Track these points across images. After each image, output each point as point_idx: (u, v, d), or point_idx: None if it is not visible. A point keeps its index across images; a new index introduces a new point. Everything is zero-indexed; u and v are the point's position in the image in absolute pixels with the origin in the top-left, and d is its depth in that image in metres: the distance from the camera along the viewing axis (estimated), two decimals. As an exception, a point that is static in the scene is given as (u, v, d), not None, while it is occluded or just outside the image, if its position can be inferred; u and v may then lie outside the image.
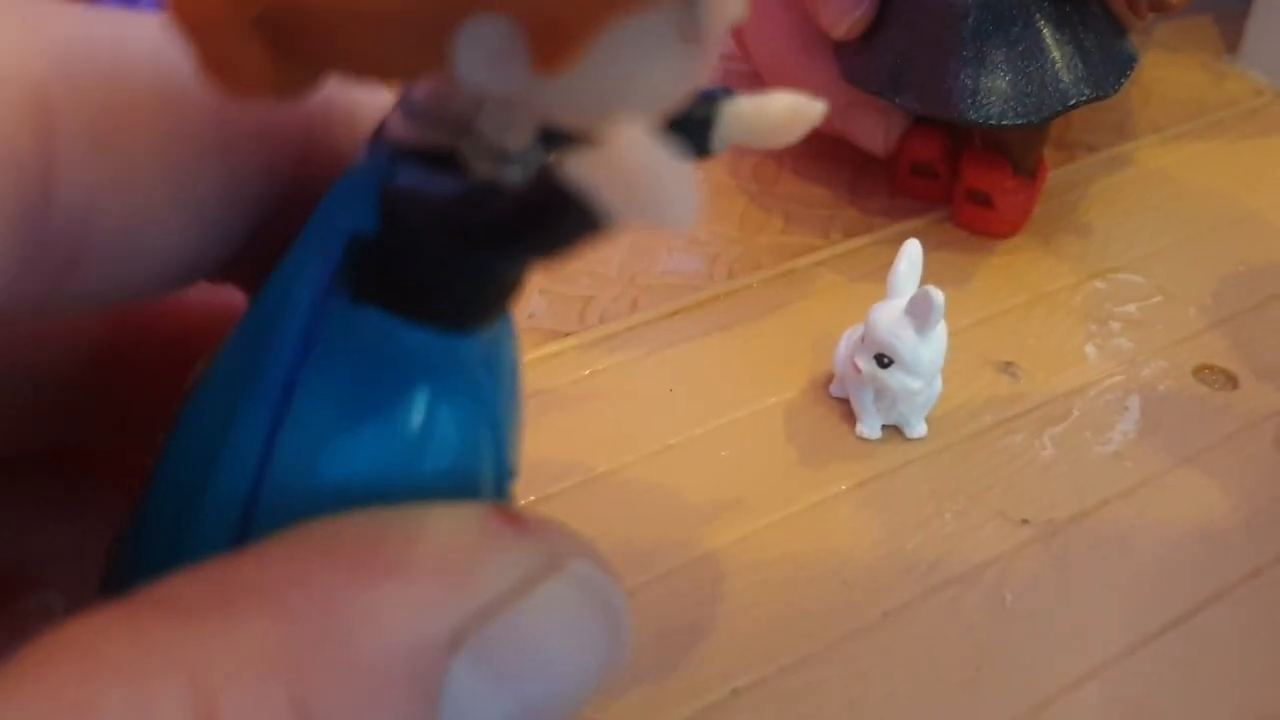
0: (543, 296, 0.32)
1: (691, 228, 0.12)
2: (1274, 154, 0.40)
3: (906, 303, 0.27)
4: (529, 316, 0.32)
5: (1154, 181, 0.38)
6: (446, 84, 0.13)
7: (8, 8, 0.13)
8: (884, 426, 0.29)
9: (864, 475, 0.28)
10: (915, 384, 0.27)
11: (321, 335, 0.14)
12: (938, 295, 0.26)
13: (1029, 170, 0.35)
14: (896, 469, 0.28)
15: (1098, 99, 0.33)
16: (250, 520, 0.14)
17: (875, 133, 0.35)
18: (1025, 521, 0.27)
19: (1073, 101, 0.32)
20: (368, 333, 0.14)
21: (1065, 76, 0.32)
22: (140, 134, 0.14)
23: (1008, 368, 0.31)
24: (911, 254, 0.28)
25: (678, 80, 0.13)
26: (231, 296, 0.17)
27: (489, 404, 0.15)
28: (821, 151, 0.38)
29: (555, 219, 0.13)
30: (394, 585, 0.12)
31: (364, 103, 0.16)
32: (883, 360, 0.27)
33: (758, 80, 0.39)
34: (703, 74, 0.13)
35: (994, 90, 0.32)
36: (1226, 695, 0.24)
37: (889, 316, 0.27)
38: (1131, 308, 0.33)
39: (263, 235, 0.15)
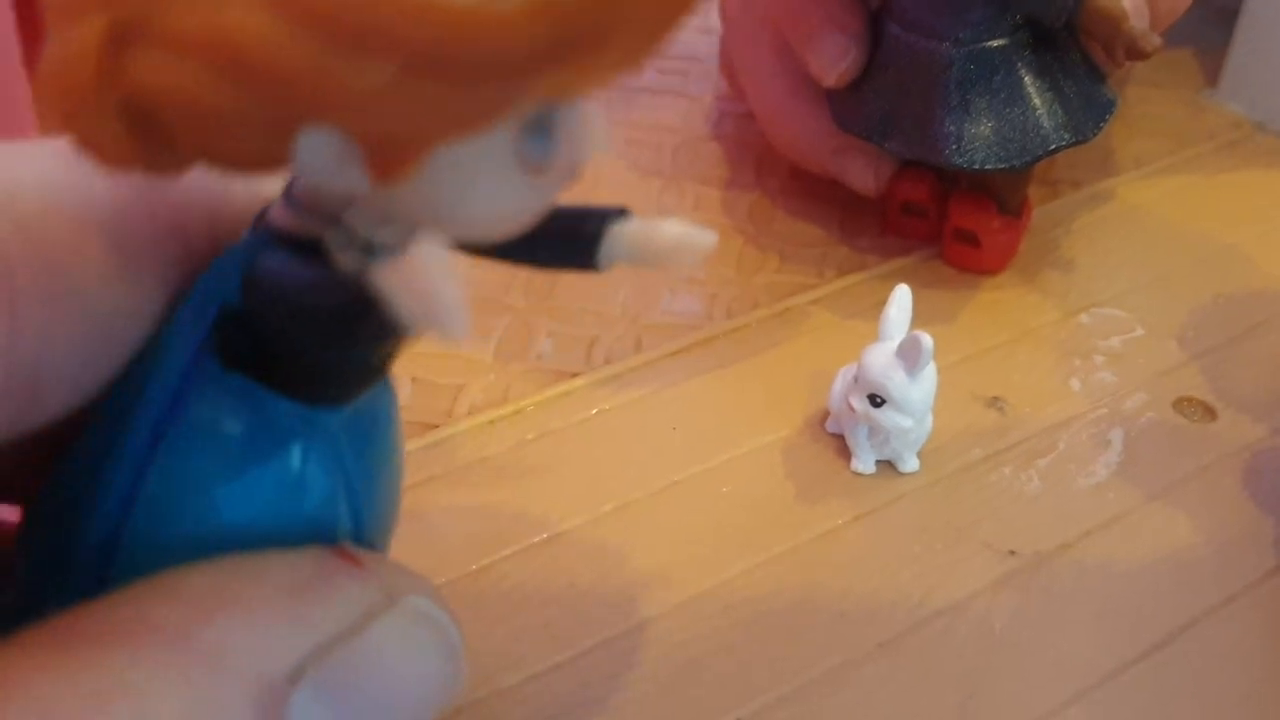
0: (550, 338, 0.34)
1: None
2: (1251, 187, 0.41)
3: (897, 345, 0.28)
4: (537, 358, 0.33)
5: (1136, 217, 0.39)
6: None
7: None
8: (878, 462, 0.30)
9: (859, 510, 0.29)
10: (906, 422, 0.29)
11: (191, 395, 0.15)
12: (927, 340, 0.28)
13: (1014, 210, 0.36)
14: (890, 503, 0.29)
15: (1077, 144, 0.34)
16: (110, 565, 0.15)
17: (866, 175, 0.37)
18: (1012, 553, 0.28)
19: (1053, 147, 0.34)
20: (233, 397, 0.15)
21: (1046, 123, 0.34)
22: (79, 268, 0.15)
23: (995, 403, 0.32)
24: (901, 299, 0.29)
25: (517, 205, 0.14)
26: None
27: (347, 472, 0.16)
28: (814, 191, 0.39)
29: (367, 319, 0.14)
30: (237, 623, 0.13)
31: (254, 194, 0.17)
32: (875, 400, 0.29)
33: (755, 121, 0.40)
34: (549, 202, 0.14)
35: (977, 136, 0.33)
36: (1204, 717, 0.25)
37: (881, 359, 0.29)
38: (1114, 341, 0.34)
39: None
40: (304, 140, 0.12)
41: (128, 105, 0.12)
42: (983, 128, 0.33)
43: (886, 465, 0.30)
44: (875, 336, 0.30)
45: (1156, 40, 0.32)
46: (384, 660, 0.14)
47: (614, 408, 0.32)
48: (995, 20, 0.33)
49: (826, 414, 0.31)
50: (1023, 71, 0.34)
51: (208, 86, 0.11)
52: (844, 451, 0.30)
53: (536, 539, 0.28)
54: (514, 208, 0.14)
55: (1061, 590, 0.28)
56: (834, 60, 0.35)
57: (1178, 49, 0.47)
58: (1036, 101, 0.34)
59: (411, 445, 0.30)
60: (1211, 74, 0.46)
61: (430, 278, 0.13)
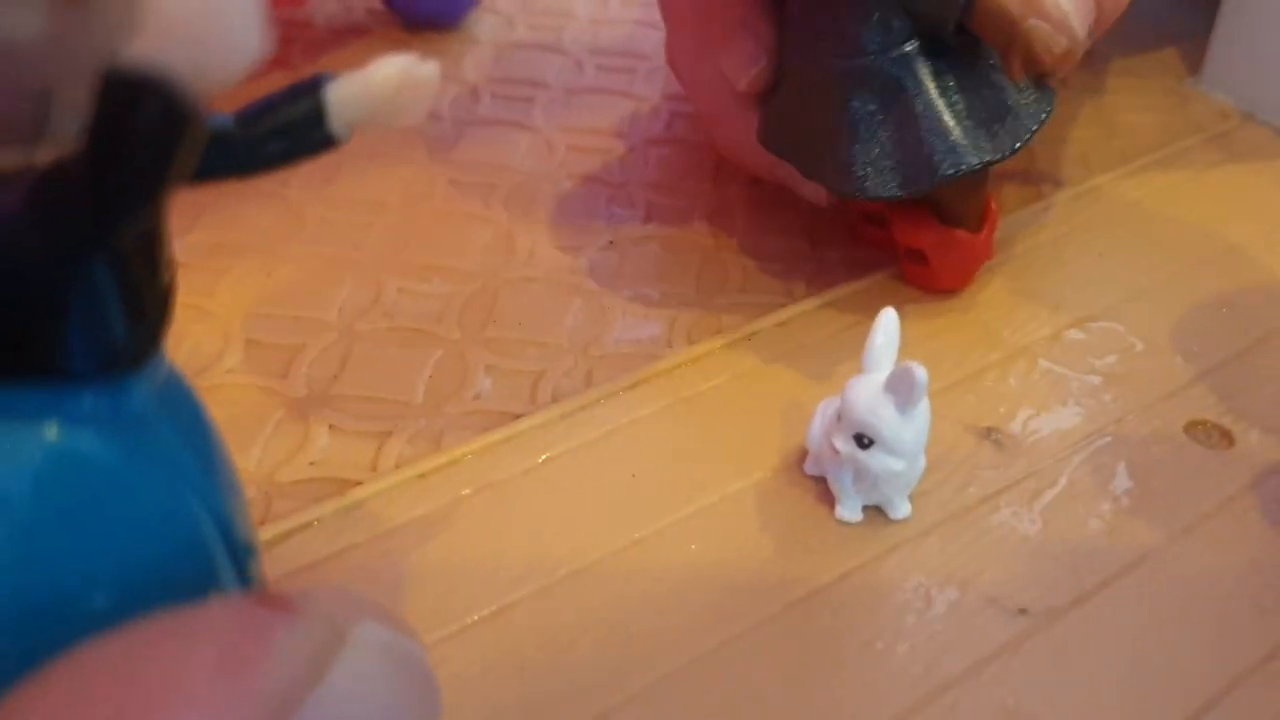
0: (489, 374, 0.30)
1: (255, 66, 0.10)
2: (1247, 180, 0.38)
3: (886, 379, 0.25)
4: (475, 398, 0.29)
5: (1126, 217, 0.36)
6: None
7: None
8: (865, 507, 0.27)
9: (847, 566, 0.26)
10: (898, 465, 0.25)
11: None
12: (920, 373, 0.24)
13: (971, 224, 0.32)
14: (881, 556, 0.26)
15: (996, 161, 0.29)
16: None
17: (817, 185, 0.33)
18: (1023, 611, 0.25)
19: (964, 166, 0.29)
20: (12, 414, 0.12)
21: (958, 140, 0.29)
22: None
23: (990, 434, 0.29)
24: (887, 326, 0.26)
25: None
26: None
27: (184, 467, 0.13)
28: (777, 200, 0.36)
29: (137, 116, 0.11)
30: (190, 710, 0.11)
31: None
32: (862, 440, 0.25)
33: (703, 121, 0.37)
34: None
35: (874, 160, 0.29)
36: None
37: (867, 394, 0.25)
38: (1113, 359, 0.31)
39: None
40: None
41: None
42: (879, 150, 0.29)
43: (874, 510, 0.27)
44: (853, 360, 0.26)
45: (1063, 43, 0.27)
46: (355, 706, 0.12)
47: (564, 453, 0.28)
48: (887, 29, 0.29)
49: (805, 453, 0.28)
50: (926, 84, 0.29)
51: None
52: (826, 496, 0.27)
53: (478, 616, 0.24)
54: None
55: (1081, 654, 0.24)
56: (744, 66, 0.31)
57: (1156, 36, 0.44)
58: (945, 118, 0.29)
59: (327, 508, 0.26)
60: (1193, 61, 0.43)
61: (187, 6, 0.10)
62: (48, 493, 0.12)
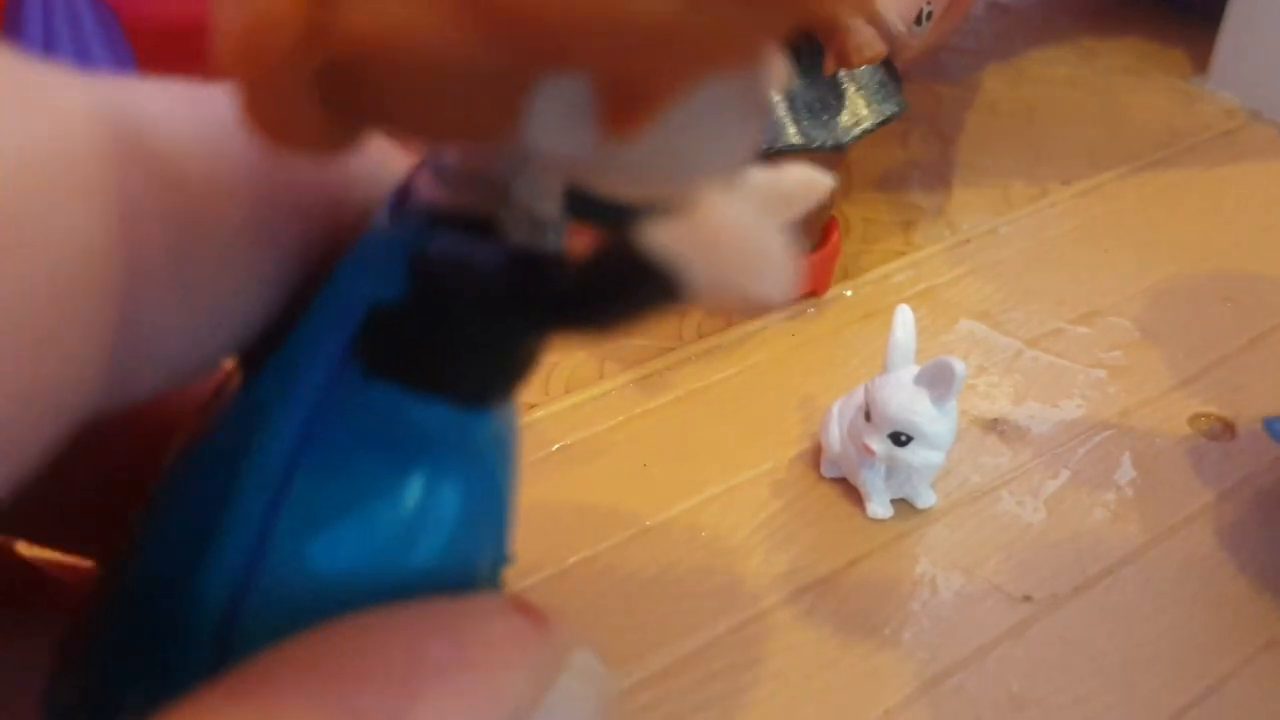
0: (504, 366, 0.30)
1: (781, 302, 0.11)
2: (1252, 178, 0.38)
3: (918, 374, 0.25)
4: (490, 388, 0.30)
5: (1130, 215, 0.37)
6: (488, 147, 0.11)
7: (69, 77, 0.11)
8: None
9: (856, 553, 0.26)
10: (938, 457, 0.25)
11: (329, 411, 0.13)
12: (960, 366, 0.24)
13: (808, 243, 0.32)
14: (888, 544, 0.26)
15: (819, 148, 0.31)
16: (238, 613, 0.13)
17: None
18: (1027, 598, 0.25)
19: (782, 144, 0.31)
20: (378, 409, 0.13)
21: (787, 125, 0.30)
22: (205, 233, 0.13)
23: (995, 426, 0.29)
24: (906, 322, 0.26)
25: (743, 149, 0.11)
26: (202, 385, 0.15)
27: (497, 485, 0.14)
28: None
29: (631, 290, 0.11)
30: (442, 697, 0.11)
31: (386, 167, 0.14)
32: (900, 438, 0.25)
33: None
34: (759, 144, 0.12)
35: None
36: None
37: (901, 392, 0.25)
38: (1118, 354, 0.32)
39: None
40: (543, 94, 0.10)
41: (329, 70, 0.10)
42: None
43: (882, 500, 0.27)
44: (859, 354, 0.27)
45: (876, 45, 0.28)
46: None
47: (576, 442, 0.28)
48: None
49: (813, 443, 0.28)
50: None
51: (443, 28, 0.09)
52: (834, 486, 0.27)
53: (493, 599, 0.25)
54: (741, 152, 0.11)
55: (1084, 640, 0.25)
56: None
57: (1162, 35, 0.45)
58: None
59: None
60: (1200, 60, 0.43)
61: (743, 230, 0.11)
62: (402, 502, 0.13)
